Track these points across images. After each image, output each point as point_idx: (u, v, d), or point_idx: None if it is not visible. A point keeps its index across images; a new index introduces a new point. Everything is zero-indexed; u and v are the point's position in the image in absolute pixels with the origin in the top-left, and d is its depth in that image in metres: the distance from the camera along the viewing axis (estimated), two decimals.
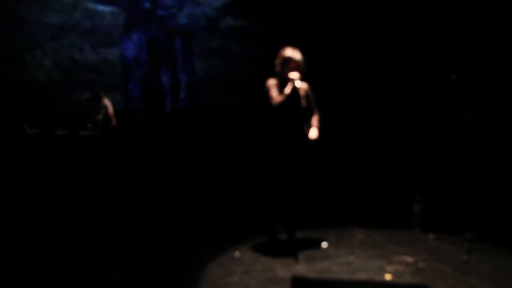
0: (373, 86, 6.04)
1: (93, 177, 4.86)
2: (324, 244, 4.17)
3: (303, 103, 4.08)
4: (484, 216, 4.40)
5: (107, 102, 5.40)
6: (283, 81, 4.09)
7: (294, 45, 4.18)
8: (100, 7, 6.51)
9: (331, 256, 3.87)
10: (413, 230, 4.58)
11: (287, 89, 4.02)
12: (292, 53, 4.10)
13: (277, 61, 4.17)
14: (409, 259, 3.73)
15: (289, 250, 3.97)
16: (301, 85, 4.05)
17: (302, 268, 3.62)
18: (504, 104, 5.01)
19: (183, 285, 3.35)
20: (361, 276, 3.42)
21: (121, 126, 5.38)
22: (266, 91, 4.12)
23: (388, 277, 3.40)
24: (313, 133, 4.06)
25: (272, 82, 4.13)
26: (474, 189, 4.02)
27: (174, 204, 5.26)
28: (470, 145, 3.96)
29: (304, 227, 4.37)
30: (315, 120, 4.17)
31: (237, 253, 3.97)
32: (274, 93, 4.06)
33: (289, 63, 4.09)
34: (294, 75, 4.01)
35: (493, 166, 4.95)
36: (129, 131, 5.28)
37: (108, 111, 5.37)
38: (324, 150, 5.84)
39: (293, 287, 2.00)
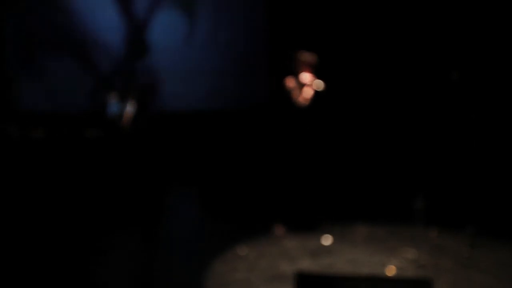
0: (378, 84, 6.04)
1: (94, 177, 4.88)
2: (327, 240, 4.21)
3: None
4: (486, 211, 4.42)
5: (133, 106, 5.33)
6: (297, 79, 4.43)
7: None
8: None
9: (335, 252, 3.91)
10: (416, 225, 4.60)
11: (308, 94, 4.39)
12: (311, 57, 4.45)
13: (297, 58, 4.48)
14: (412, 254, 3.77)
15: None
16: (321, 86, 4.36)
17: (306, 263, 3.65)
18: (505, 102, 5.02)
19: (188, 282, 3.40)
20: (365, 271, 3.46)
21: (128, 126, 5.33)
22: (286, 92, 4.42)
23: (391, 270, 3.44)
24: None
25: (291, 82, 4.42)
26: (476, 185, 4.04)
27: (177, 202, 5.30)
28: (472, 141, 3.98)
29: (309, 223, 4.40)
30: None
31: (241, 250, 4.01)
32: (296, 95, 4.41)
33: (305, 64, 4.44)
34: (308, 78, 4.38)
35: (495, 161, 4.95)
36: (133, 131, 5.26)
37: (126, 113, 5.31)
38: (328, 146, 5.89)
39: (296, 283, 2.03)
